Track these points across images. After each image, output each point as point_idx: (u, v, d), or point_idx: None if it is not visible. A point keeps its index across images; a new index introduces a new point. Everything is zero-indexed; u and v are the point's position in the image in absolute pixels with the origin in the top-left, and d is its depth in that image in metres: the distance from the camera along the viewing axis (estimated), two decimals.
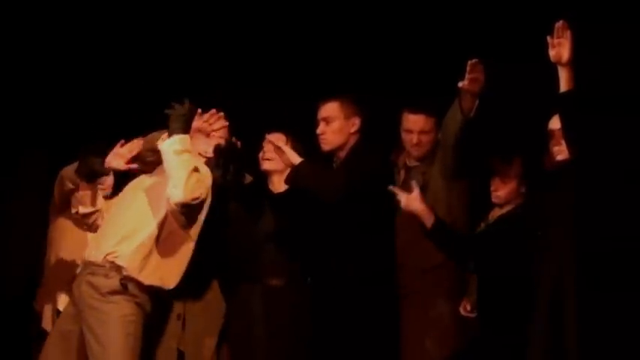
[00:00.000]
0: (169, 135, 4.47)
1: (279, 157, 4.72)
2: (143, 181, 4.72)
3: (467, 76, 4.46)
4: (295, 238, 4.79)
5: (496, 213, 4.69)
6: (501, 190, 4.61)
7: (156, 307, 4.56)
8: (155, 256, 4.48)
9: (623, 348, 3.96)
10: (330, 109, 4.77)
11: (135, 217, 4.55)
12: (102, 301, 4.41)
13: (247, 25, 6.00)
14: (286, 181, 4.72)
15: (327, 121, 4.76)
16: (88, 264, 4.51)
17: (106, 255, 4.45)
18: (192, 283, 4.75)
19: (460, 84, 4.49)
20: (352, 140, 4.79)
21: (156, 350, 4.74)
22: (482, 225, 4.76)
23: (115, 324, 4.38)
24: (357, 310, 4.63)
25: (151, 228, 4.51)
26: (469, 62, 4.44)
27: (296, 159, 4.63)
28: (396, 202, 4.59)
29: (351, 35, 5.84)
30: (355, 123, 4.77)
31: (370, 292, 4.65)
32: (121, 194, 4.79)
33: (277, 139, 4.79)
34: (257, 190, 4.95)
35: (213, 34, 6.01)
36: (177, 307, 4.82)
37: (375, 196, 4.64)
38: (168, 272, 4.51)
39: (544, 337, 4.10)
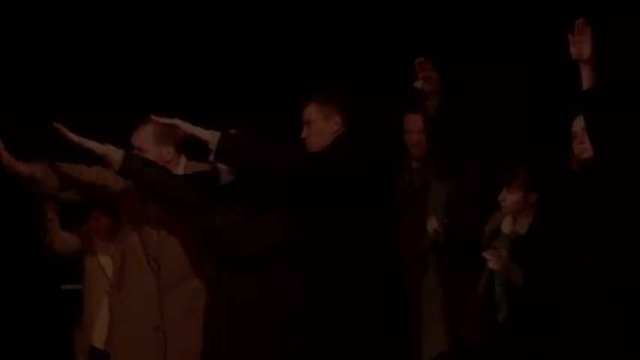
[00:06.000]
0: None
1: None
2: None
3: (419, 75, 4.44)
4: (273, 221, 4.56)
5: (508, 224, 4.66)
6: (508, 200, 4.61)
7: None
8: None
9: None
10: (308, 112, 4.58)
11: None
12: None
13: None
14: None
15: (307, 124, 4.59)
16: None
17: None
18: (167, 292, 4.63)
19: (415, 84, 4.46)
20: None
21: None
22: (489, 229, 4.72)
23: None
24: (354, 307, 4.37)
25: None
26: (416, 61, 4.41)
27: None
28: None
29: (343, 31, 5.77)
30: (336, 122, 4.55)
31: (369, 285, 4.40)
32: None
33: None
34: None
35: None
36: (154, 319, 4.67)
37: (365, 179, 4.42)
38: None
39: (568, 337, 4.11)
